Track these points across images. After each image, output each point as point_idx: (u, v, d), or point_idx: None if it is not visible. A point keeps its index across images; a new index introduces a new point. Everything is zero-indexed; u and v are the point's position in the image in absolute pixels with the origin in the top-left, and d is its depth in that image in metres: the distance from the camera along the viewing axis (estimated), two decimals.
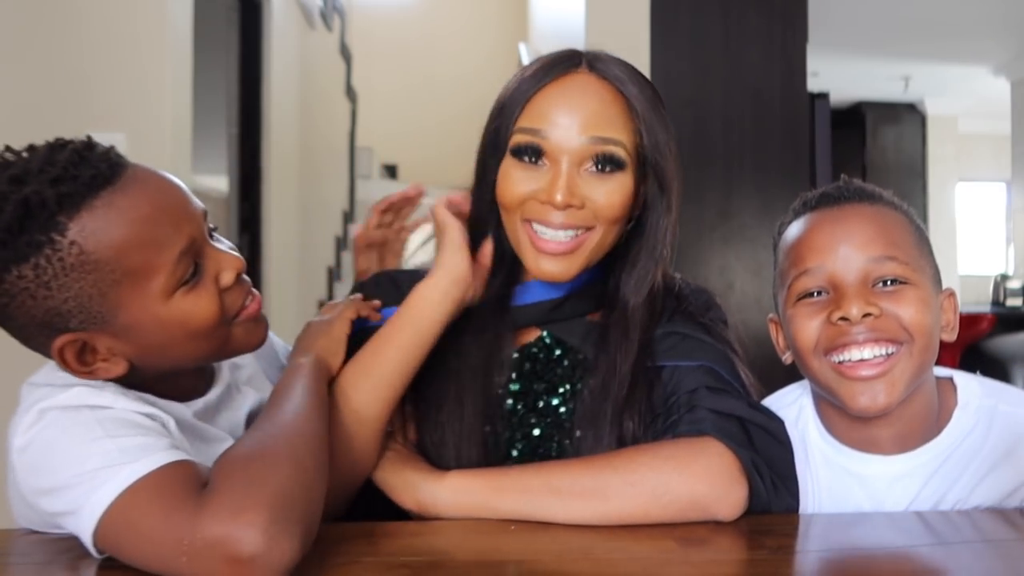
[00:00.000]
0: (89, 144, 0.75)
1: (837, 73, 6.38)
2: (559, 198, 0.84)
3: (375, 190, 5.67)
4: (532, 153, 0.87)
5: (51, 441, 0.70)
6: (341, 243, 4.92)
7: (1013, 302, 5.85)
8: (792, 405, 0.97)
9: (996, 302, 6.00)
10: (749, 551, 0.76)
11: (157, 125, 1.93)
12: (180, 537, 0.63)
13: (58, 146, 0.74)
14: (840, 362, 0.85)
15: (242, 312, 0.81)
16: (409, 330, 0.88)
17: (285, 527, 0.62)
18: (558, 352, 0.94)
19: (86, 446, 0.69)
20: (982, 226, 8.41)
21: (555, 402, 0.91)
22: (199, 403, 0.84)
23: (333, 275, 4.57)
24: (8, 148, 0.74)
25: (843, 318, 0.84)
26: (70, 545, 0.71)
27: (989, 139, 7.86)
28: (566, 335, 0.94)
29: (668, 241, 0.93)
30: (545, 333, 0.94)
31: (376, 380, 0.86)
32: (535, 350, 0.94)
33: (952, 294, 0.93)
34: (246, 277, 0.82)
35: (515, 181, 0.88)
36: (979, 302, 6.72)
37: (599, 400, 0.87)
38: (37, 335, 0.73)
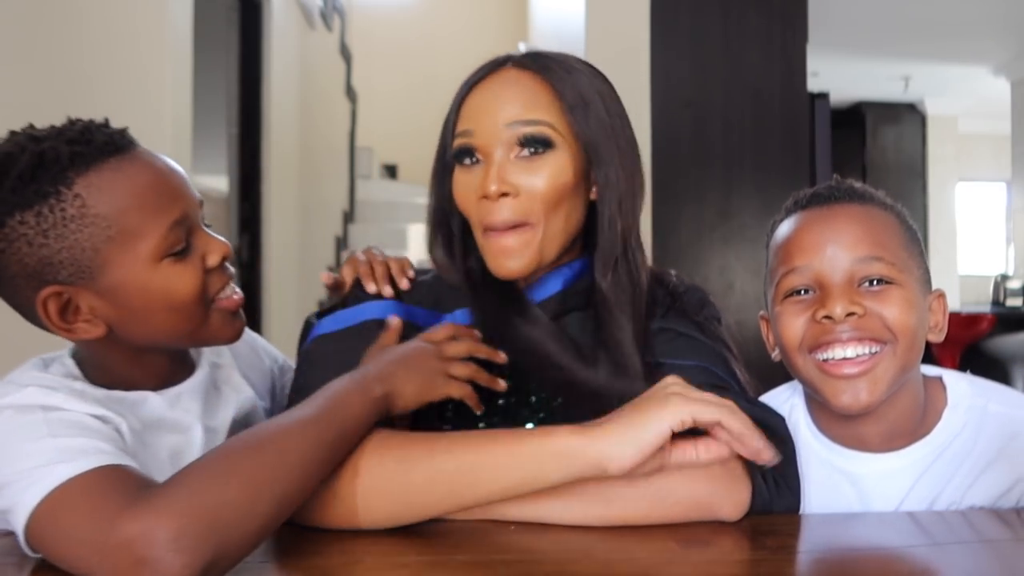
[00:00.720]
0: (105, 122, 0.82)
1: (837, 73, 6.38)
2: (492, 188, 0.86)
3: (375, 190, 5.67)
4: (468, 154, 0.89)
5: (0, 439, 0.72)
6: (341, 243, 4.92)
7: (1013, 302, 5.85)
8: (784, 404, 0.97)
9: (996, 302, 5.99)
10: (750, 551, 0.76)
11: (157, 125, 1.93)
12: (97, 536, 0.62)
13: (77, 119, 0.80)
14: (824, 360, 0.86)
15: (222, 300, 0.84)
16: (516, 485, 0.74)
17: (194, 544, 0.61)
18: None
19: (28, 445, 0.70)
20: (982, 226, 8.41)
21: (544, 396, 0.90)
22: (172, 391, 0.86)
23: None
24: (31, 125, 0.80)
25: (827, 316, 0.85)
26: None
27: (989, 139, 7.86)
28: (574, 329, 0.92)
29: (622, 210, 0.90)
30: None
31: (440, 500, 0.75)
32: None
33: (941, 295, 0.93)
34: (231, 268, 0.85)
35: (461, 186, 0.90)
36: (979, 302, 6.72)
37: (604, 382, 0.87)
38: (25, 287, 0.76)
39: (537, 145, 0.87)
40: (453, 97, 0.93)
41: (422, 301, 0.95)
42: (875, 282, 0.87)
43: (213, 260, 0.82)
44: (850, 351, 0.85)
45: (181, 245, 0.80)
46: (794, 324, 0.88)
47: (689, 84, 2.87)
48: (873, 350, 0.85)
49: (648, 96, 2.80)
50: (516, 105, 0.87)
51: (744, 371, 0.91)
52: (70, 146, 0.75)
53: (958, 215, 7.70)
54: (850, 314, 0.85)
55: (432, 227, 0.96)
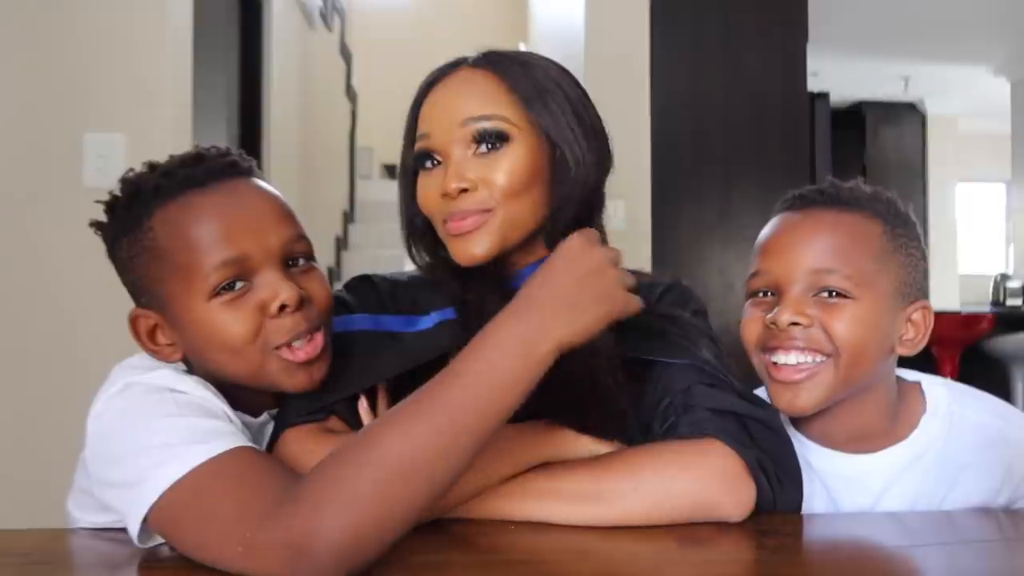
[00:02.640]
0: (220, 152, 0.83)
1: (837, 73, 6.38)
2: (452, 186, 0.85)
3: (375, 190, 5.67)
4: (428, 157, 0.89)
5: (126, 411, 0.73)
6: (341, 243, 4.93)
7: (1013, 302, 5.84)
8: (767, 399, 0.98)
9: (996, 302, 5.99)
10: (749, 551, 0.76)
11: (157, 125, 1.93)
12: (251, 521, 0.62)
13: (202, 146, 0.85)
14: (774, 362, 0.90)
15: (284, 351, 0.80)
16: None
17: (344, 548, 0.61)
18: None
19: (158, 421, 0.71)
20: (982, 226, 8.41)
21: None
22: (263, 418, 0.87)
23: (333, 275, 4.57)
24: (196, 147, 0.85)
25: (774, 322, 0.88)
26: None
27: (989, 139, 7.85)
28: None
29: (585, 194, 0.88)
30: None
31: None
32: None
33: (926, 308, 0.92)
34: (310, 317, 0.81)
35: (423, 189, 0.90)
36: (979, 302, 6.72)
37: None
38: (136, 298, 0.83)
39: (493, 140, 0.86)
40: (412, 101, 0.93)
41: (399, 306, 0.94)
42: (834, 294, 0.88)
43: (273, 308, 0.78)
44: (792, 358, 0.88)
45: (226, 283, 0.77)
46: (752, 323, 0.92)
47: (689, 84, 2.87)
48: (818, 360, 0.88)
49: (648, 96, 2.79)
50: (470, 102, 0.87)
51: (731, 364, 0.91)
52: (161, 179, 0.79)
53: (958, 215, 7.70)
54: (795, 323, 0.87)
55: (407, 231, 0.95)
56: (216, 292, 0.77)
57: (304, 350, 0.80)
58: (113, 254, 0.83)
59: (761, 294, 0.93)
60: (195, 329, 0.79)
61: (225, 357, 0.80)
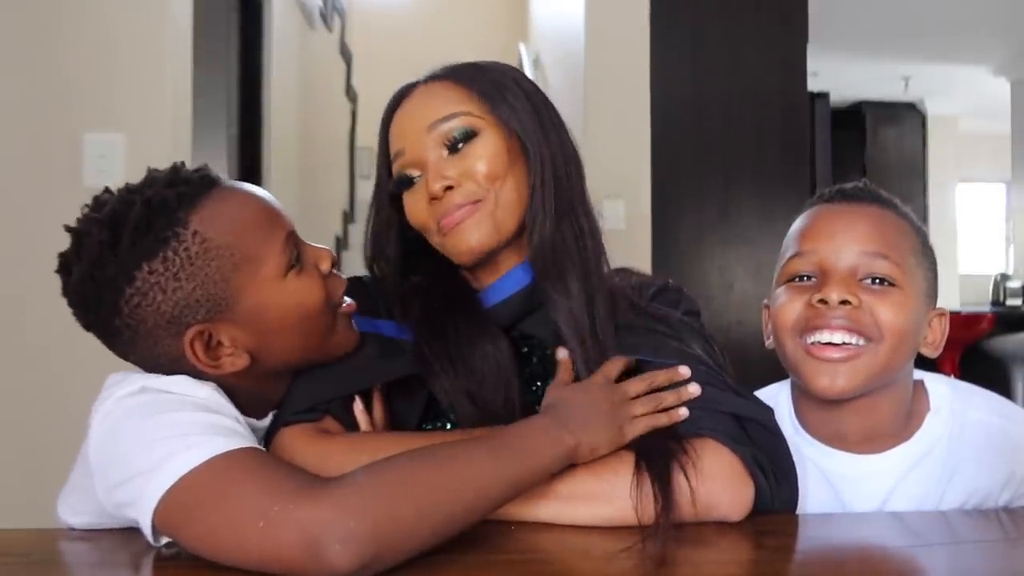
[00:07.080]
0: (183, 165, 0.82)
1: (837, 73, 6.38)
2: (436, 187, 0.87)
3: None
4: (407, 177, 0.91)
5: (140, 406, 0.73)
6: (341, 243, 4.92)
7: (1013, 302, 5.86)
8: (770, 400, 0.98)
9: (996, 302, 6.01)
10: (750, 551, 0.76)
11: (157, 125, 1.93)
12: (271, 508, 0.63)
13: (154, 170, 0.81)
14: (812, 343, 0.89)
15: (344, 306, 0.86)
16: None
17: (360, 546, 0.62)
18: (525, 349, 0.93)
19: (177, 414, 0.71)
20: (982, 226, 8.41)
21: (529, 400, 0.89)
22: (267, 420, 0.88)
23: None
24: (107, 189, 0.80)
25: (822, 300, 0.88)
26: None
27: (989, 139, 7.86)
28: (535, 329, 0.92)
29: (544, 179, 0.90)
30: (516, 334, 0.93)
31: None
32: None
33: (943, 315, 0.95)
34: (339, 273, 0.88)
35: (411, 205, 0.92)
36: (979, 302, 6.73)
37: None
38: (165, 336, 0.77)
39: (462, 135, 0.89)
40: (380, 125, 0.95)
41: (390, 308, 0.94)
42: (877, 281, 0.89)
43: (325, 266, 0.85)
44: (837, 337, 0.88)
45: (296, 258, 0.82)
46: (790, 306, 0.91)
47: (689, 84, 2.87)
48: (859, 342, 0.88)
49: (648, 96, 2.79)
50: (432, 109, 0.90)
51: (728, 364, 0.91)
52: (172, 188, 0.77)
53: (958, 215, 7.70)
54: (844, 302, 0.87)
55: (371, 253, 0.97)
56: (290, 267, 0.81)
57: (351, 302, 0.88)
58: (118, 299, 0.75)
59: (799, 279, 0.92)
60: (274, 311, 0.80)
61: (305, 328, 0.82)
